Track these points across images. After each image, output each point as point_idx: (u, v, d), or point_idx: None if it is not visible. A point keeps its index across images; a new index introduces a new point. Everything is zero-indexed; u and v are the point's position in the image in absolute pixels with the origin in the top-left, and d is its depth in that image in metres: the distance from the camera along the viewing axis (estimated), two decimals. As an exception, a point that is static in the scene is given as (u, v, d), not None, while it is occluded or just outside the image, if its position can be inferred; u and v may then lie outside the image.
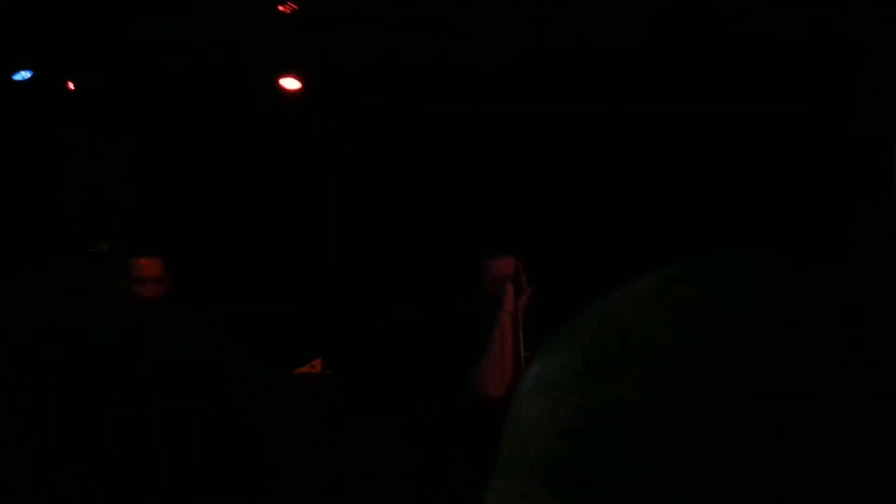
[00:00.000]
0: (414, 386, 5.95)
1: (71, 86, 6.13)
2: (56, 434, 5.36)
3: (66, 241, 6.24)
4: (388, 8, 5.96)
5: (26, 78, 6.04)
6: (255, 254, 6.53)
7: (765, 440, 0.62)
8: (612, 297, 0.73)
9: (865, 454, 0.61)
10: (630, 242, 6.07)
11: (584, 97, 6.08)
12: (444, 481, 5.96)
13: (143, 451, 5.17)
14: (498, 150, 6.27)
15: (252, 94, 6.30)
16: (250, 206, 6.61)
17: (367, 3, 5.98)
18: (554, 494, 0.65)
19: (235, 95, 6.32)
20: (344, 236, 6.38)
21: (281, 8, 6.06)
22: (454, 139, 6.31)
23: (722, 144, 6.11)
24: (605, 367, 0.67)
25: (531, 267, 5.07)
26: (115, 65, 6.17)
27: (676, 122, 6.14)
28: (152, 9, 5.99)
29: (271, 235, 6.55)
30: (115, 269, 5.44)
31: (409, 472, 6.25)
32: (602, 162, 6.27)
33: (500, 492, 0.71)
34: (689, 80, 5.99)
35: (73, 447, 5.22)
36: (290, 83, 6.25)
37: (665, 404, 0.63)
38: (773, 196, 6.00)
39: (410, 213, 6.33)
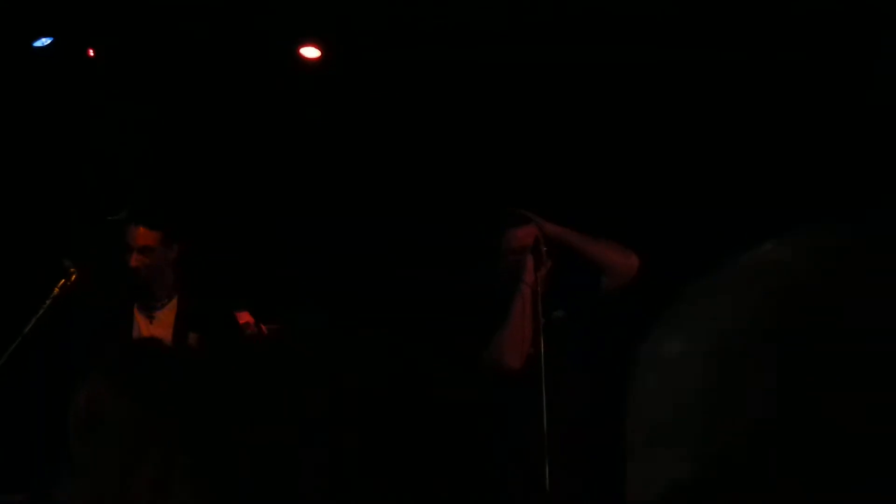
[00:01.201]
0: (429, 358, 5.96)
1: (91, 53, 6.14)
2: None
3: (86, 209, 6.26)
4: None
5: (46, 44, 6.05)
6: (270, 223, 6.54)
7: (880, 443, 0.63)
8: (736, 275, 0.72)
9: None
10: (650, 214, 6.08)
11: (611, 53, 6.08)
12: (460, 453, 5.99)
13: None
14: (521, 117, 6.26)
15: (272, 62, 6.30)
16: (268, 175, 6.62)
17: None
18: (670, 463, 0.67)
19: (255, 64, 6.31)
20: (361, 204, 6.38)
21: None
22: (477, 106, 6.29)
23: (735, 113, 6.13)
24: (733, 354, 0.67)
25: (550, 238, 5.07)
26: (135, 30, 6.17)
27: (691, 85, 6.15)
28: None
29: (288, 203, 6.55)
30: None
31: (422, 444, 6.26)
32: (627, 132, 6.26)
33: (633, 464, 0.72)
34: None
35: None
36: (311, 52, 6.26)
37: (792, 397, 0.64)
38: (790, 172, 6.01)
39: (429, 183, 6.33)
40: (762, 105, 6.16)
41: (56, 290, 5.26)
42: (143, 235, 5.28)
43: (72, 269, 5.38)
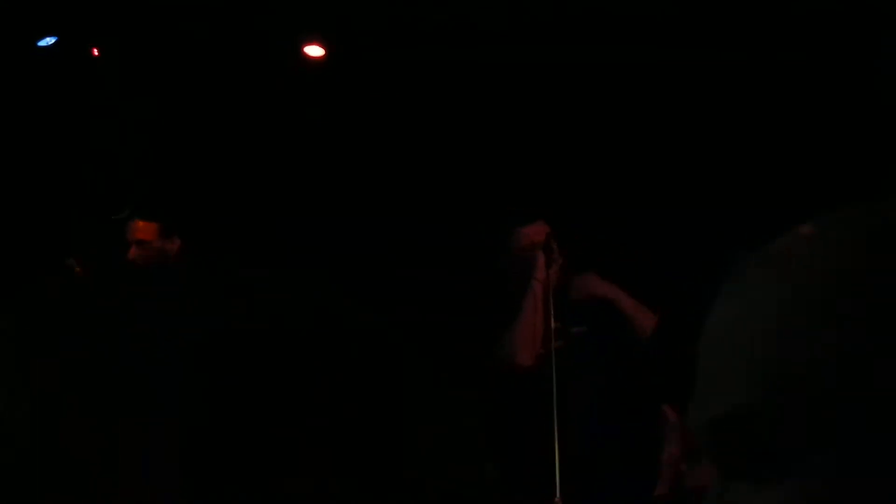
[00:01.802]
0: (441, 355, 5.96)
1: (95, 52, 6.13)
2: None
3: (89, 208, 6.24)
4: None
5: (50, 43, 6.04)
6: (273, 224, 6.53)
7: None
8: (821, 239, 0.74)
9: None
10: (650, 214, 6.09)
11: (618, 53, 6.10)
12: (471, 449, 5.99)
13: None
14: (527, 115, 6.27)
15: (275, 60, 6.29)
16: (271, 174, 6.61)
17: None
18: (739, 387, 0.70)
19: (258, 62, 6.31)
20: (367, 204, 6.38)
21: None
22: (483, 103, 6.30)
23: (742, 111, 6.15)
24: (817, 289, 0.69)
25: (562, 235, 5.08)
26: (139, 29, 6.15)
27: (697, 84, 6.17)
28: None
29: (293, 205, 6.54)
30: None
31: (433, 440, 6.26)
32: (627, 132, 6.27)
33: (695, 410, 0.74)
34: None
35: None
36: (315, 50, 6.25)
37: (852, 365, 0.66)
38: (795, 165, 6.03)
39: (437, 181, 6.33)
40: (762, 105, 6.18)
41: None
42: (140, 229, 5.26)
43: (77, 268, 5.36)
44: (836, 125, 6.06)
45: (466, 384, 5.56)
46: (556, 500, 4.65)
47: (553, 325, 5.00)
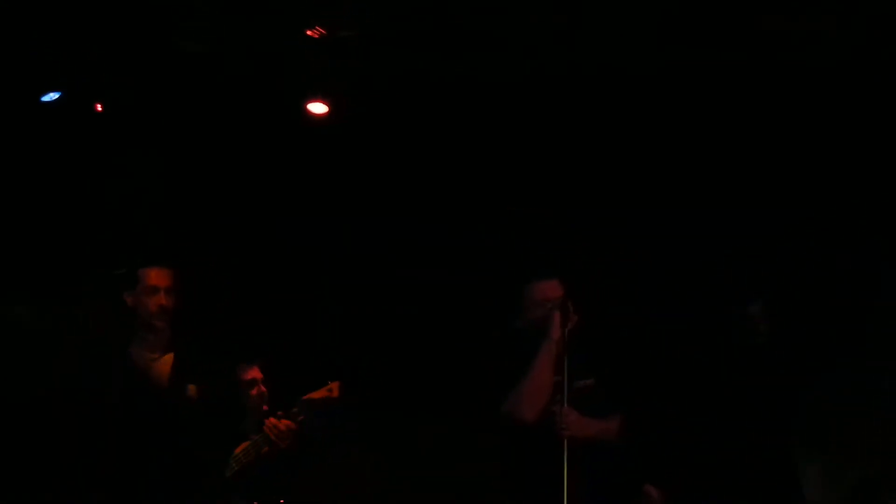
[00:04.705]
0: (449, 410, 5.98)
1: (99, 108, 6.13)
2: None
3: (95, 263, 6.21)
4: (413, 29, 5.97)
5: (54, 98, 6.03)
6: (278, 273, 6.53)
7: None
8: None
9: None
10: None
11: (623, 119, 6.13)
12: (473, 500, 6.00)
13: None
14: (537, 170, 6.30)
15: (280, 117, 6.31)
16: (276, 224, 6.62)
17: (392, 26, 5.99)
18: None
19: (264, 119, 6.33)
20: (378, 258, 6.39)
21: (309, 32, 6.07)
22: (491, 159, 6.33)
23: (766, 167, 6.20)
24: None
25: (576, 292, 5.11)
26: (144, 85, 6.16)
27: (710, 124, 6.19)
28: (182, 31, 5.99)
29: (297, 254, 6.55)
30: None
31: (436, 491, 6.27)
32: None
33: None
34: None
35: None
36: (318, 107, 6.28)
37: None
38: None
39: (448, 236, 6.35)
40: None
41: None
42: (162, 275, 5.27)
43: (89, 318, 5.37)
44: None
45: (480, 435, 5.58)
46: None
47: (556, 379, 5.04)
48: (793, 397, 4.89)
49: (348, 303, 6.49)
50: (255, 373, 6.01)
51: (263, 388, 5.97)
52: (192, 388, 5.35)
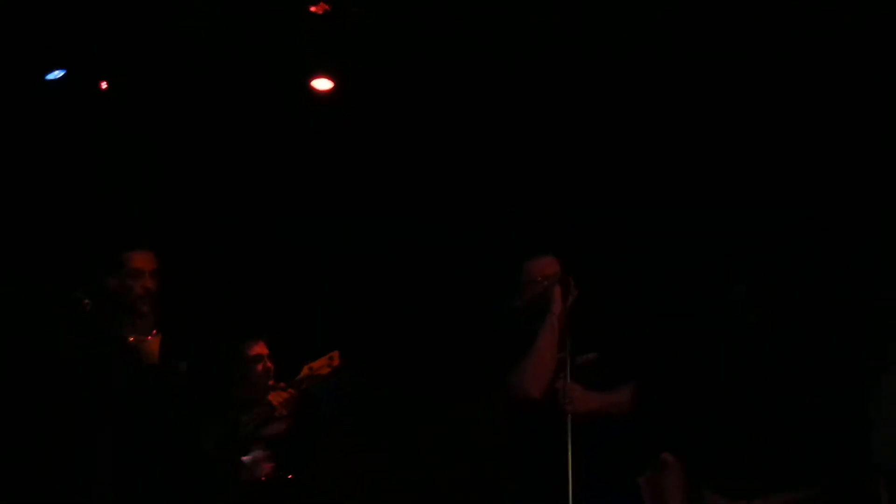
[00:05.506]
0: (452, 386, 5.99)
1: (104, 85, 6.14)
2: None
3: (90, 248, 6.24)
4: (418, 8, 5.97)
5: (59, 77, 6.05)
6: (285, 250, 6.55)
7: None
8: None
9: None
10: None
11: (623, 101, 6.13)
12: (477, 479, 6.02)
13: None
14: (535, 148, 6.30)
15: (284, 94, 6.32)
16: (277, 204, 6.63)
17: (398, 4, 5.99)
18: None
19: (267, 96, 6.33)
20: (380, 236, 6.40)
21: (313, 9, 6.06)
22: (492, 138, 6.33)
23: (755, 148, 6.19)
24: None
25: (575, 268, 5.12)
26: (148, 65, 6.18)
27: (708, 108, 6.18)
28: (184, 10, 6.00)
29: (303, 230, 6.56)
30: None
31: (438, 470, 6.29)
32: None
33: None
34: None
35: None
36: (322, 84, 6.28)
37: None
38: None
39: (448, 213, 6.35)
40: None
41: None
42: (146, 258, 5.29)
43: (85, 301, 5.37)
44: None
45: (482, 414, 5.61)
46: None
47: (559, 355, 5.05)
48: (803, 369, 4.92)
49: (352, 289, 6.50)
50: (260, 348, 6.04)
51: (270, 364, 6.01)
52: (183, 367, 5.39)
